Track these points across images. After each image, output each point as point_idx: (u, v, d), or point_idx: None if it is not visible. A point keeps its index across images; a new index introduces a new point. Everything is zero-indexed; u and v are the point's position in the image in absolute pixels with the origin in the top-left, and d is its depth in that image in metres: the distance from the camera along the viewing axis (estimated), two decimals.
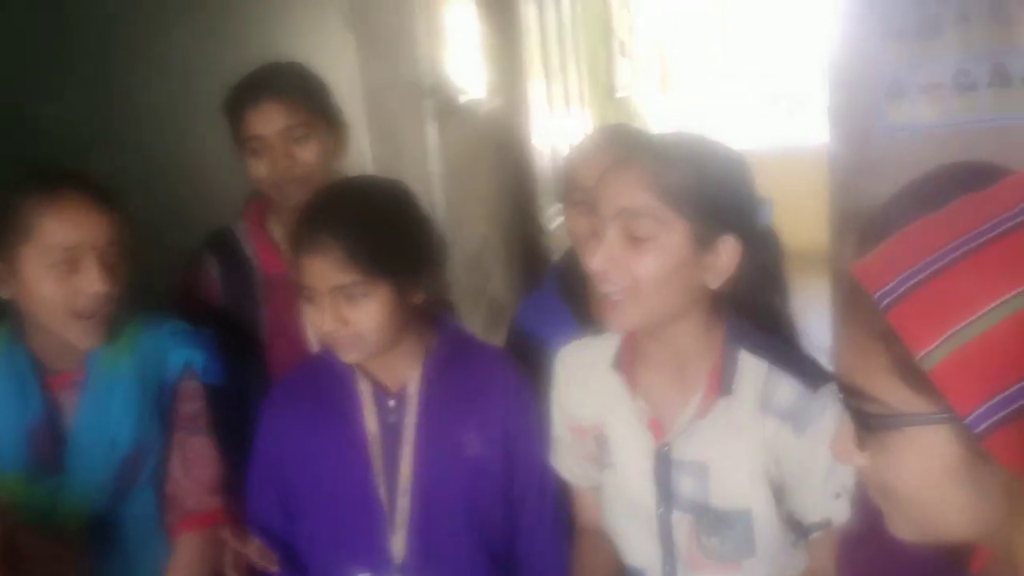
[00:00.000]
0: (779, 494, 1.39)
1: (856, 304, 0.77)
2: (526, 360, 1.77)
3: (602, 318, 1.41)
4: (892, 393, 0.74)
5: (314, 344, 1.95)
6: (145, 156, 2.20)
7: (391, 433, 1.61)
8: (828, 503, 1.37)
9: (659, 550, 1.46)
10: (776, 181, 1.52)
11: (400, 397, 1.62)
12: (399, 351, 1.59)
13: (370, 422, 1.61)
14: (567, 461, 1.61)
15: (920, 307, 0.72)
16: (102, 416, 1.60)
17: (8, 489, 1.56)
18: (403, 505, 1.60)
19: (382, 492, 1.60)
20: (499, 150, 4.94)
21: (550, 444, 1.64)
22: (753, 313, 1.43)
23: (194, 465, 1.68)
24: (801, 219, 3.26)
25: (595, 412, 1.52)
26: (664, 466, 1.43)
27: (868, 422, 0.77)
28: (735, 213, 1.34)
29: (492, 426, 1.62)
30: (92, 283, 1.51)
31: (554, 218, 5.61)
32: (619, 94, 7.04)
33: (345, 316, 1.47)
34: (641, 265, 1.31)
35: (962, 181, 1.14)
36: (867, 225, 1.21)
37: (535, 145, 5.38)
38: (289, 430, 1.66)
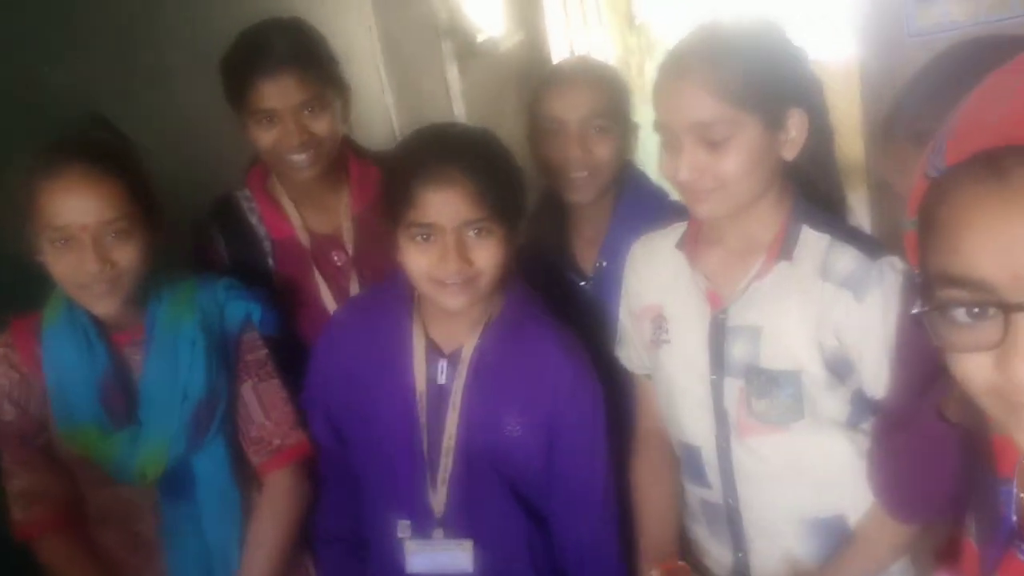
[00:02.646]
0: (842, 368, 1.41)
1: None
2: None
3: (690, 209, 1.47)
4: None
5: (330, 306, 1.96)
6: (153, 119, 2.15)
7: (439, 393, 1.61)
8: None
9: (712, 420, 1.51)
10: None
11: (452, 360, 1.61)
12: (471, 308, 1.57)
13: (419, 379, 1.62)
14: (628, 350, 1.69)
15: None
16: (171, 369, 1.64)
17: (84, 443, 1.61)
18: (445, 464, 1.61)
19: (425, 448, 1.62)
20: (522, 88, 4.78)
21: (616, 338, 1.71)
22: (810, 177, 1.47)
23: (272, 407, 1.74)
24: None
25: (656, 293, 1.59)
26: (718, 332, 1.48)
27: None
28: (793, 84, 1.39)
29: (538, 408, 1.60)
30: (83, 264, 1.52)
31: None
32: (638, 21, 6.91)
33: (469, 255, 1.47)
34: (724, 166, 1.35)
35: (994, 45, 1.17)
36: (892, 120, 1.26)
37: None
38: (342, 361, 1.69)
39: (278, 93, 1.81)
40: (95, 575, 1.64)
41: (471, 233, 1.47)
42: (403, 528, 1.64)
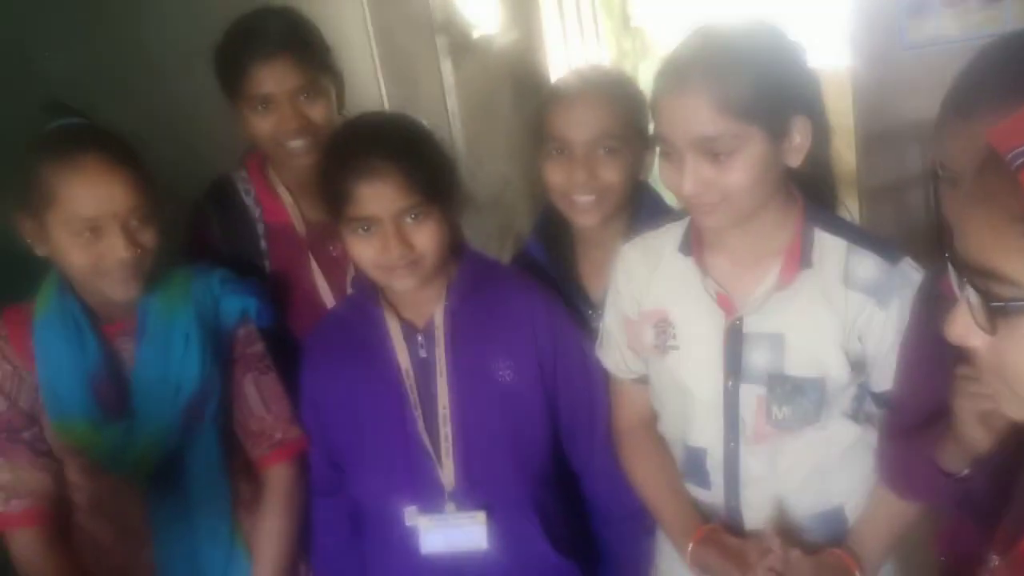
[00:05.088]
0: (859, 367, 1.44)
1: (993, 180, 0.75)
2: None
3: (695, 220, 1.47)
4: None
5: (326, 298, 1.95)
6: (151, 105, 2.15)
7: (424, 368, 1.64)
8: None
9: (722, 426, 1.50)
10: None
11: (428, 331, 1.64)
12: (424, 286, 1.61)
13: (402, 358, 1.64)
14: (615, 354, 1.65)
15: None
16: (164, 361, 1.63)
17: (77, 435, 1.59)
18: (445, 434, 1.63)
19: (421, 425, 1.63)
20: (516, 86, 4.83)
21: (597, 340, 1.68)
22: (807, 177, 1.46)
23: (272, 401, 1.75)
24: None
25: (659, 298, 1.56)
26: (735, 340, 1.47)
27: (998, 304, 0.75)
28: (797, 91, 1.36)
29: (523, 351, 1.65)
30: (115, 251, 1.52)
31: None
32: (634, 23, 6.90)
33: (410, 240, 1.52)
34: (729, 179, 1.33)
35: None
36: (955, 97, 1.17)
37: (553, 79, 5.28)
38: (328, 380, 1.70)
39: (273, 78, 1.81)
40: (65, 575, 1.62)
41: (408, 219, 1.52)
42: (410, 515, 1.65)
